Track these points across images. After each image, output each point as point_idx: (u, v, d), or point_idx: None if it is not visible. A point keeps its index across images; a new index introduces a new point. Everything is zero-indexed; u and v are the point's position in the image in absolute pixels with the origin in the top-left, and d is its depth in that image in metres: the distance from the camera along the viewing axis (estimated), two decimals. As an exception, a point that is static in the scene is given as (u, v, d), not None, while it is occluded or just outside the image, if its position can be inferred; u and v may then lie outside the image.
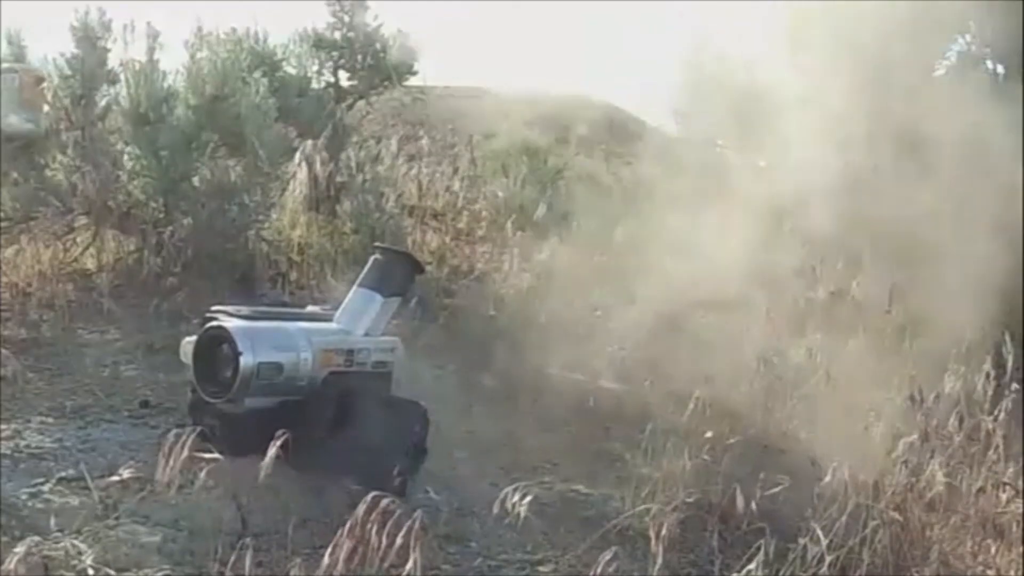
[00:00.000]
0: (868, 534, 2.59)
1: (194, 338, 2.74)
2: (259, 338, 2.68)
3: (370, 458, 2.63)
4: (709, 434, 2.81)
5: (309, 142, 4.32)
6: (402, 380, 2.97)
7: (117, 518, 2.44)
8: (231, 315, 2.77)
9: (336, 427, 2.69)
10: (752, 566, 2.12)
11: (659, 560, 2.36)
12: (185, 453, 2.09)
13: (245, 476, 2.39)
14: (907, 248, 3.67)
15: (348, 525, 1.93)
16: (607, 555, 2.03)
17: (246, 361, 2.61)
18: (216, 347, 2.68)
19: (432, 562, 2.44)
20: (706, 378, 3.04)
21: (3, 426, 2.87)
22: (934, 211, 3.60)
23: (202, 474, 2.17)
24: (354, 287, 3.00)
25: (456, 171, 5.96)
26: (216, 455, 2.26)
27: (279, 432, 2.16)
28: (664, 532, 2.24)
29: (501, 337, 3.62)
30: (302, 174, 4.40)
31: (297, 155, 4.20)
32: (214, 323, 2.72)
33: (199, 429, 2.24)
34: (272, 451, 2.12)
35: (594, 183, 5.26)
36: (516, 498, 2.19)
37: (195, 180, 4.30)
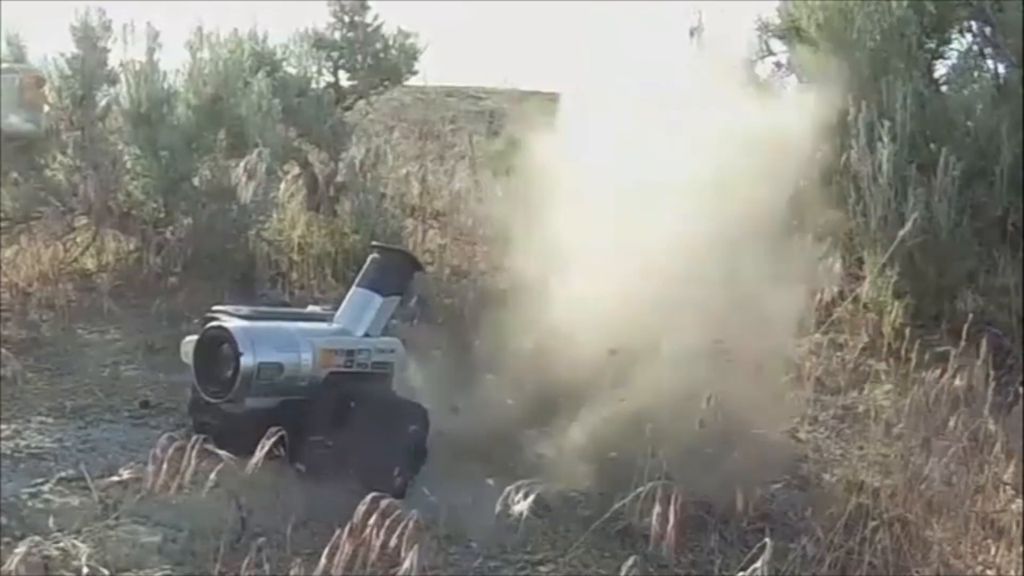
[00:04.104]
0: (868, 534, 2.58)
1: (194, 338, 2.74)
2: (259, 338, 2.67)
3: (370, 458, 2.63)
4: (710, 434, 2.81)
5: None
6: (401, 380, 2.97)
7: (117, 518, 2.44)
8: (231, 315, 2.77)
9: (336, 427, 2.69)
10: (758, 565, 2.11)
11: (659, 560, 2.37)
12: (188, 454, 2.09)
13: (246, 476, 2.39)
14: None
15: (347, 526, 1.93)
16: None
17: (246, 361, 2.61)
18: (216, 347, 2.68)
19: (432, 562, 2.44)
20: (708, 377, 3.03)
21: (3, 426, 2.88)
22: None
23: (211, 476, 2.16)
24: (353, 287, 3.00)
25: (457, 171, 5.95)
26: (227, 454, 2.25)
27: (274, 430, 2.15)
28: (664, 532, 2.23)
29: (502, 337, 3.61)
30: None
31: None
32: (214, 323, 2.72)
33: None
34: (263, 449, 2.11)
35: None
36: (516, 498, 2.18)
37: (195, 180, 4.30)
